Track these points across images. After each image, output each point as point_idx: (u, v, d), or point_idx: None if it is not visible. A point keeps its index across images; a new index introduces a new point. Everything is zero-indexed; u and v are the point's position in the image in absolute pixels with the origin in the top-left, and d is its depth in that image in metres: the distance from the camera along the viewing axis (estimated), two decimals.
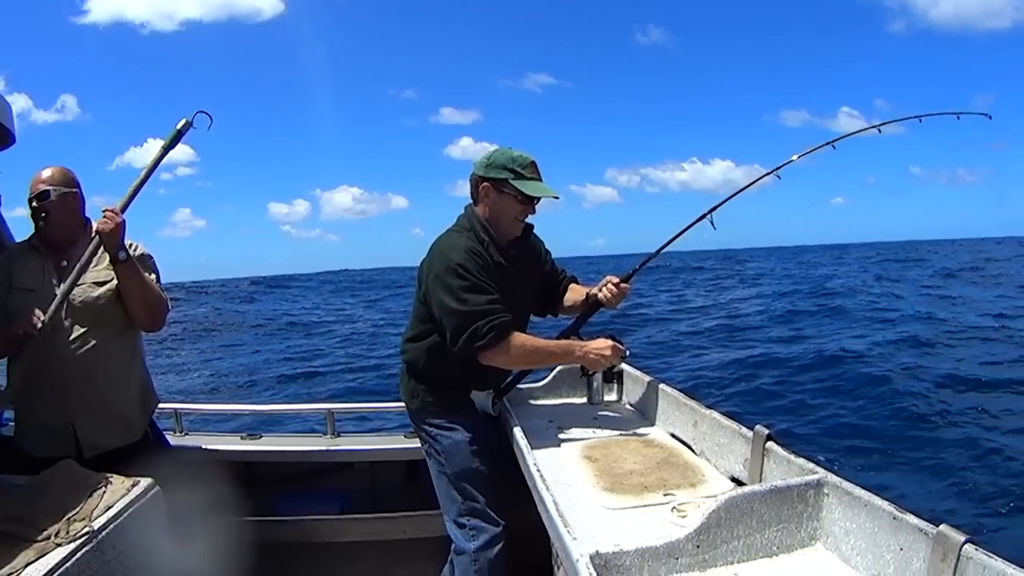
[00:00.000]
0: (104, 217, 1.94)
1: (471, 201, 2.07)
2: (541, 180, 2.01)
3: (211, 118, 2.10)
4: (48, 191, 1.98)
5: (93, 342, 1.99)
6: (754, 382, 7.16)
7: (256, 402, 6.87)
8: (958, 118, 2.50)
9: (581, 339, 2.09)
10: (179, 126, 2.08)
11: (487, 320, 1.84)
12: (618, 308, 2.17)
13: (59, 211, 2.01)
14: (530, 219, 2.04)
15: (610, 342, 1.99)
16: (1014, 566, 0.95)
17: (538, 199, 2.01)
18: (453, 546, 2.00)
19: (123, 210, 1.98)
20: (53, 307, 1.90)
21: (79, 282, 1.96)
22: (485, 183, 2.00)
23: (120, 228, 1.94)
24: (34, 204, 1.99)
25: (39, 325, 1.87)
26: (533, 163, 2.00)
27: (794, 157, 2.29)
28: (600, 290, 2.14)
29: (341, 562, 2.55)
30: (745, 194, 2.27)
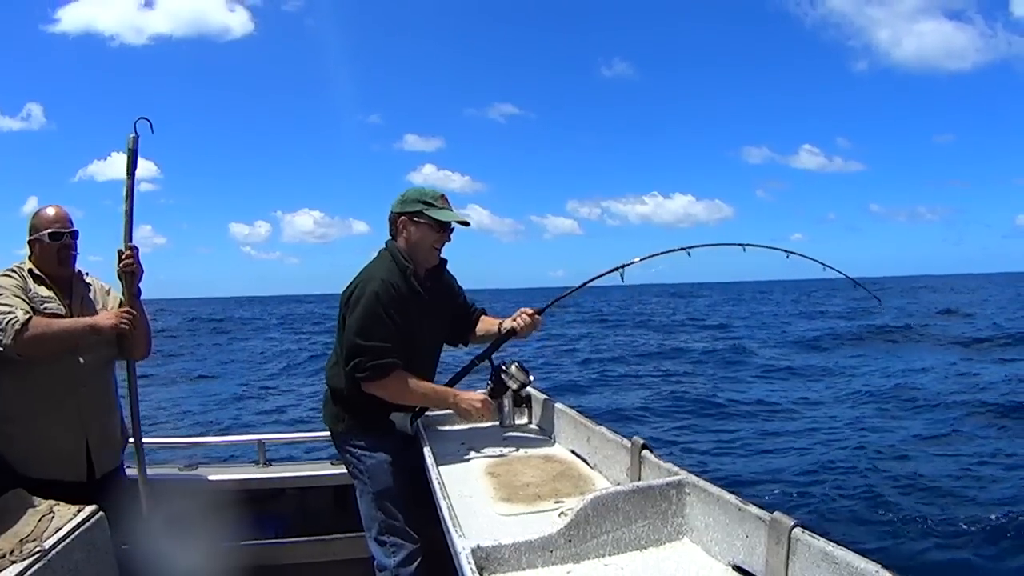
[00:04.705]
0: (128, 253, 2.13)
1: (390, 238, 2.21)
2: (452, 210, 2.19)
3: (150, 122, 2.23)
4: (78, 232, 2.11)
5: (103, 372, 2.12)
6: None
7: (189, 435, 6.80)
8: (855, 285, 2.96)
9: (492, 364, 2.29)
10: (129, 144, 2.19)
11: (370, 358, 2.02)
12: (526, 339, 2.36)
13: (75, 250, 2.14)
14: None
15: (482, 396, 2.16)
16: (833, 543, 1.09)
17: (452, 228, 2.20)
18: (375, 563, 2.11)
19: (131, 240, 2.16)
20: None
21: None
22: (402, 217, 2.16)
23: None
24: (67, 240, 2.08)
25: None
26: (443, 196, 2.19)
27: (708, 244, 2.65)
28: (514, 320, 2.33)
29: None
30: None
